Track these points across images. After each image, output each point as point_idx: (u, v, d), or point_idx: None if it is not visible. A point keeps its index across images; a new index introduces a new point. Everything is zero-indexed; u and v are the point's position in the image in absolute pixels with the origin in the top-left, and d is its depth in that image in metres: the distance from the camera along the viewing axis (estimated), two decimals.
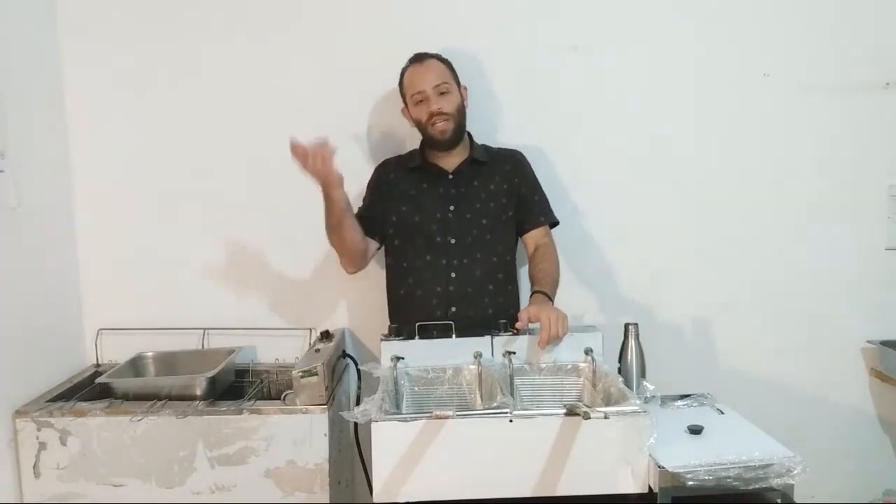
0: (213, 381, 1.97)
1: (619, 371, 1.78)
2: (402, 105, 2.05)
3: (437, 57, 2.00)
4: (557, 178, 2.28)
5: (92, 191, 2.26)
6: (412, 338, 1.81)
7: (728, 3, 2.26)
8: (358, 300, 2.32)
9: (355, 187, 2.12)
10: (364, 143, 2.27)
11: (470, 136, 2.08)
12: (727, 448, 1.46)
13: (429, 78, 1.95)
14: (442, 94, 1.94)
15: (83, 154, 2.25)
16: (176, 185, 2.27)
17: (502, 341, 1.80)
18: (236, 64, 2.24)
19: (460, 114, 1.99)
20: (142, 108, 2.25)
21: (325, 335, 2.06)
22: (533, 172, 2.11)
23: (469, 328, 1.85)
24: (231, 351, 2.16)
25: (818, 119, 2.31)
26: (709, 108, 2.29)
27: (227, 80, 2.24)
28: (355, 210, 2.08)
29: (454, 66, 2.03)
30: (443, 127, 1.95)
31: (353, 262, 2.00)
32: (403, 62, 1.98)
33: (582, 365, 1.78)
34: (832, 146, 2.32)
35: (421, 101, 1.95)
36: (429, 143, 2.02)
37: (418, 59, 1.99)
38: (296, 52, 2.24)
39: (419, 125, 2.00)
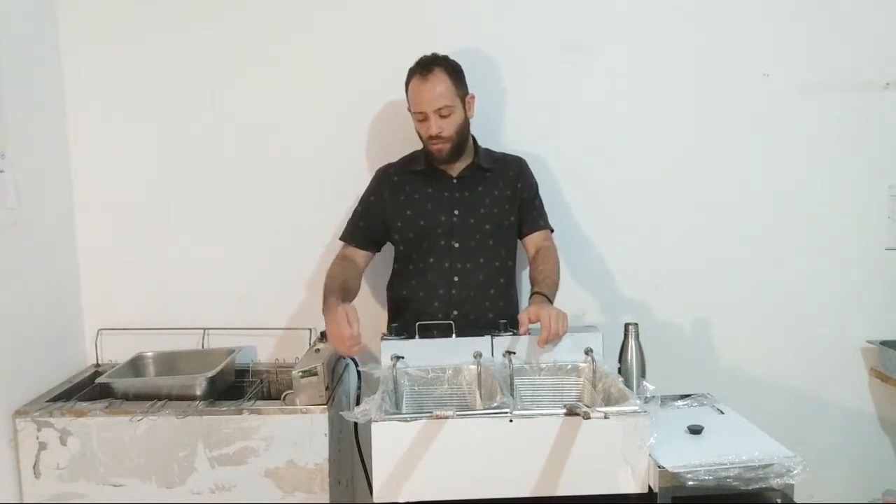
0: (213, 381, 1.97)
1: (619, 371, 1.78)
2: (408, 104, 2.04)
3: (445, 65, 1.93)
4: (557, 179, 2.28)
5: (92, 191, 2.26)
6: (412, 337, 1.81)
7: (728, 3, 2.26)
8: (358, 300, 2.29)
9: (358, 188, 2.12)
10: (366, 144, 2.27)
11: (474, 139, 2.07)
12: (727, 448, 1.46)
13: (430, 98, 1.89)
14: (443, 116, 1.91)
15: (83, 154, 2.25)
16: (176, 184, 2.28)
17: (502, 341, 1.79)
18: (238, 64, 2.24)
19: (460, 134, 1.96)
20: (142, 108, 2.25)
21: (325, 335, 2.06)
22: (534, 178, 2.11)
23: (470, 331, 1.85)
24: (231, 351, 2.16)
25: (818, 119, 2.31)
26: (709, 109, 2.30)
27: (228, 80, 2.24)
28: (350, 215, 2.09)
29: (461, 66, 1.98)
30: (440, 147, 1.95)
31: None
32: (404, 63, 1.96)
33: (582, 365, 1.78)
34: (832, 146, 2.32)
35: (422, 120, 1.94)
36: (428, 155, 2.02)
37: (424, 68, 1.91)
38: (298, 53, 2.24)
39: (419, 137, 2.00)
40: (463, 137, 1.98)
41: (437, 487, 1.43)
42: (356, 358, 2.11)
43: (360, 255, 2.05)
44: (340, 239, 2.08)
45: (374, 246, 2.08)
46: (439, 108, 1.90)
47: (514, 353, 1.78)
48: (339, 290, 1.89)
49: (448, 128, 1.92)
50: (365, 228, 2.06)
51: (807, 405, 2.39)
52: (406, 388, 1.76)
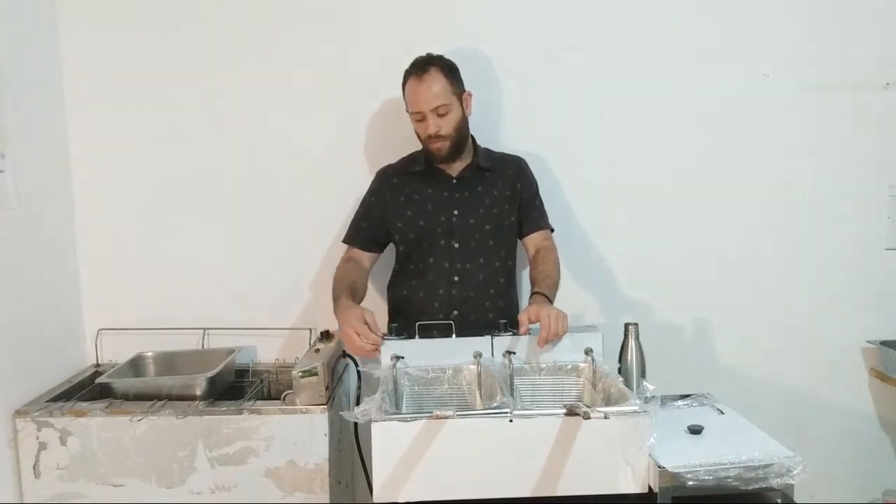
0: (213, 381, 1.97)
1: (619, 371, 1.78)
2: (405, 106, 2.04)
3: (440, 65, 1.93)
4: (558, 179, 2.28)
5: (92, 190, 2.26)
6: (412, 337, 1.81)
7: (728, 3, 2.26)
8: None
9: (357, 188, 2.12)
10: (366, 144, 2.27)
11: (473, 139, 2.08)
12: (727, 448, 1.46)
13: (427, 98, 1.90)
14: (440, 115, 1.92)
15: (83, 153, 2.25)
16: (176, 185, 2.28)
17: (502, 341, 1.79)
18: (237, 64, 2.24)
19: (459, 132, 1.97)
20: (142, 109, 2.25)
21: (325, 335, 2.06)
22: (534, 178, 2.11)
23: (470, 331, 1.85)
24: (231, 351, 2.16)
25: (818, 119, 2.31)
26: (709, 109, 2.29)
27: (227, 80, 2.24)
28: (351, 217, 2.10)
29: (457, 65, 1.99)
30: (439, 146, 1.95)
31: None
32: (404, 63, 1.96)
33: (582, 365, 1.78)
34: (832, 146, 2.32)
35: (420, 120, 1.94)
36: (427, 155, 2.02)
37: (420, 68, 1.92)
38: (297, 53, 2.24)
39: (418, 138, 2.00)
40: (462, 135, 1.99)
41: (437, 487, 1.43)
42: (356, 358, 2.12)
43: (364, 256, 2.06)
44: (344, 241, 2.08)
45: (377, 247, 2.08)
46: (436, 107, 1.91)
47: (514, 353, 1.78)
48: (348, 291, 1.90)
49: (446, 126, 1.93)
50: (367, 230, 2.06)
51: (807, 405, 2.39)
52: (406, 388, 1.76)
